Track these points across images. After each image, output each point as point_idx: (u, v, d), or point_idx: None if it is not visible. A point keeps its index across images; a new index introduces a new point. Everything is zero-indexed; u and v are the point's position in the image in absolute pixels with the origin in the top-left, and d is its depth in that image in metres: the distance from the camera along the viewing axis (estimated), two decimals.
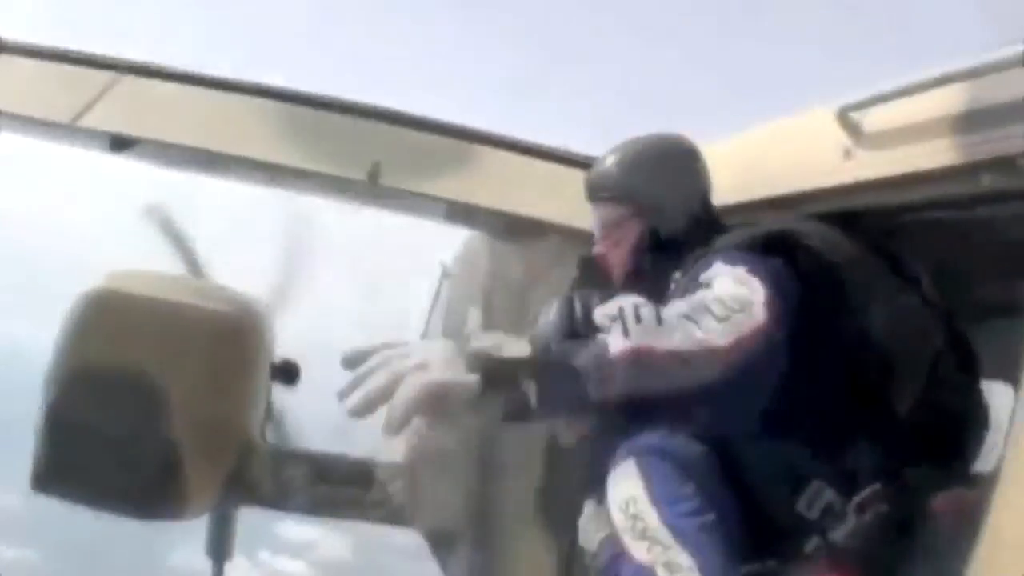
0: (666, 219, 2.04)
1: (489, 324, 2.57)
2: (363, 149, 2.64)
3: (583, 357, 1.44)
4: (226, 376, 2.97)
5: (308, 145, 2.58)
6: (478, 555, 3.05)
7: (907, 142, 1.79)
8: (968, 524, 1.69)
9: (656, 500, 1.75)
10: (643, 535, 1.75)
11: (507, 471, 2.23)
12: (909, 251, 1.93)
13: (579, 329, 1.98)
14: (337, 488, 3.39)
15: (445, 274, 4.33)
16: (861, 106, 1.92)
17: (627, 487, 1.78)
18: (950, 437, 1.84)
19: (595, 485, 1.97)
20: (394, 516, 3.40)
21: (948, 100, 1.71)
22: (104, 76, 2.63)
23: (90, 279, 3.22)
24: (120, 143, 2.63)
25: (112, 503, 2.94)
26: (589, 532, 2.08)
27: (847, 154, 1.95)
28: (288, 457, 3.24)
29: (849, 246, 1.85)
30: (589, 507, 2.09)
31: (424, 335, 4.43)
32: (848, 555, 1.74)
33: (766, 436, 1.77)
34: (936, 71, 1.74)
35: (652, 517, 1.74)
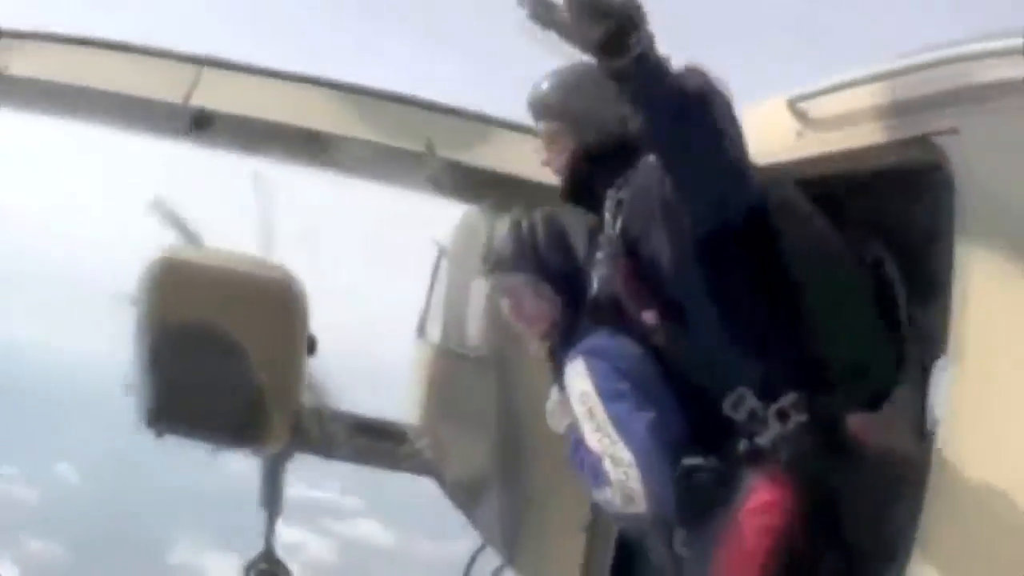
0: (595, 134, 2.33)
1: (494, 295, 2.95)
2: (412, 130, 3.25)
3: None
4: (282, 333, 3.41)
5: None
6: (508, 503, 3.49)
7: (845, 126, 2.25)
8: (875, 447, 2.11)
9: (602, 395, 2.09)
10: (597, 427, 2.10)
11: (537, 419, 2.58)
12: (847, 212, 2.40)
13: (540, 249, 2.38)
14: (374, 441, 3.86)
15: (442, 253, 4.67)
16: (806, 97, 2.37)
17: (579, 383, 2.15)
18: (861, 364, 2.14)
19: (558, 376, 2.35)
20: (423, 467, 3.87)
21: (877, 92, 2.15)
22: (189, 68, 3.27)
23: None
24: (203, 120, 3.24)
25: (211, 435, 3.48)
26: (555, 417, 2.45)
27: (798, 135, 2.41)
28: (330, 412, 3.67)
29: (782, 195, 2.24)
30: (554, 394, 2.45)
31: (423, 315, 4.78)
32: (776, 459, 2.03)
33: (696, 343, 2.12)
34: (867, 70, 2.20)
35: (600, 411, 2.09)
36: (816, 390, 2.07)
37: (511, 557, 3.60)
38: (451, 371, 3.92)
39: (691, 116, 1.93)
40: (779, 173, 2.41)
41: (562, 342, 2.34)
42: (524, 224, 2.44)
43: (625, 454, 2.04)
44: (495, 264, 2.49)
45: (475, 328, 3.69)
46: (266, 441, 3.57)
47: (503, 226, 2.60)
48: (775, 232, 2.15)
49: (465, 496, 3.89)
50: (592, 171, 2.34)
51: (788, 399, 2.04)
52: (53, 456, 30.29)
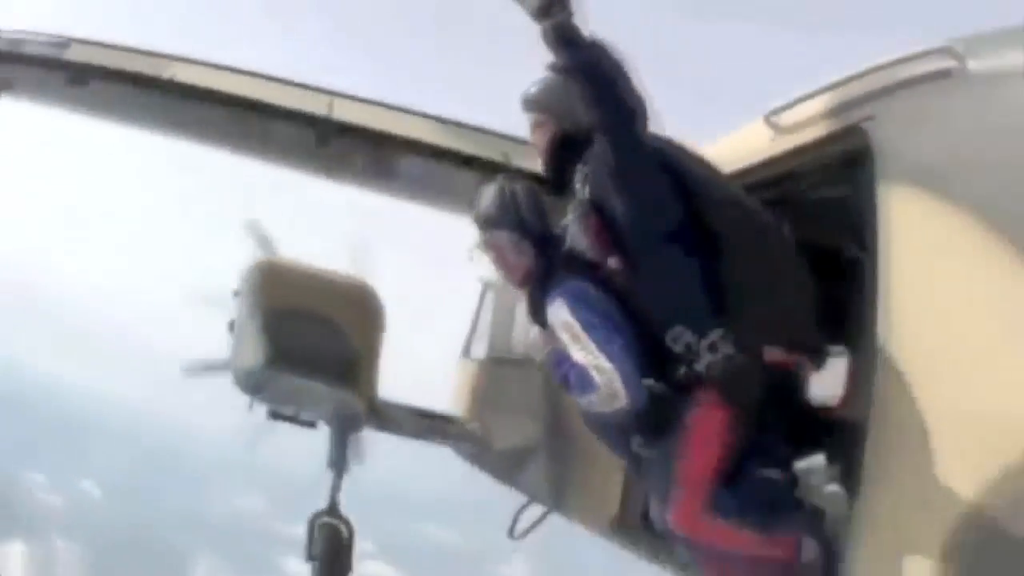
0: (568, 124, 2.95)
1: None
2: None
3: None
4: (364, 320, 4.31)
5: None
6: (555, 461, 4.14)
7: (803, 128, 2.88)
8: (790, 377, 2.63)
9: (582, 324, 2.71)
10: (581, 347, 2.70)
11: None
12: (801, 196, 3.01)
13: (519, 209, 2.95)
14: (430, 421, 4.64)
15: (487, 287, 5.50)
16: (778, 111, 3.02)
17: (562, 315, 2.77)
18: (775, 306, 2.71)
19: (535, 314, 2.97)
20: (473, 438, 4.61)
21: (826, 99, 2.80)
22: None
23: None
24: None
25: (316, 375, 4.47)
26: (538, 347, 3.04)
27: (771, 141, 3.04)
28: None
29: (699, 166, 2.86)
30: (535, 331, 3.04)
31: (468, 338, 5.58)
32: (711, 382, 2.61)
33: (645, 286, 2.74)
34: (819, 84, 2.85)
35: (583, 335, 2.70)
36: (738, 327, 2.65)
37: (558, 503, 4.21)
38: (499, 372, 4.67)
39: (591, 59, 2.69)
40: (759, 174, 3.05)
41: (537, 287, 2.96)
42: (507, 190, 3.05)
43: (607, 364, 2.64)
44: (483, 222, 3.07)
45: (520, 337, 4.50)
46: (355, 393, 4.43)
47: None
48: (700, 196, 2.79)
49: (508, 465, 4.54)
50: (565, 150, 2.99)
51: (716, 334, 2.64)
52: (79, 473, 32.55)
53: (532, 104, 3.08)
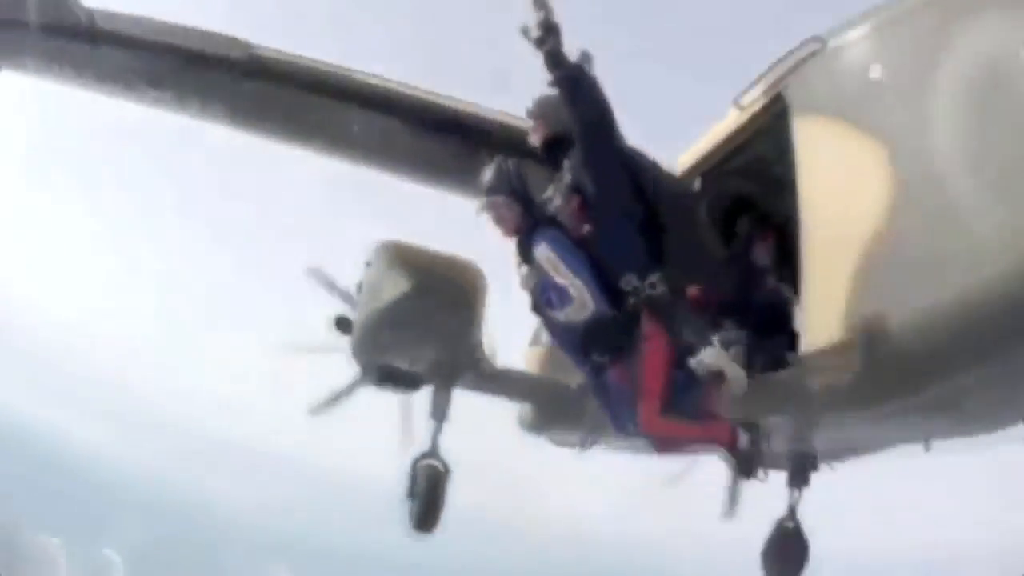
0: (557, 127, 4.05)
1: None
2: None
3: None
4: (472, 293, 5.63)
5: None
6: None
7: (755, 103, 4.19)
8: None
9: (560, 257, 3.86)
10: (560, 273, 3.85)
11: None
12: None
13: (511, 180, 3.97)
14: (534, 382, 5.96)
15: None
16: (739, 96, 4.32)
17: (546, 252, 3.91)
18: (693, 260, 3.98)
19: (525, 256, 4.05)
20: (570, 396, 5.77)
21: (769, 76, 4.12)
22: None
23: None
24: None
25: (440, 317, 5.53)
26: (525, 281, 4.11)
27: (737, 116, 4.35)
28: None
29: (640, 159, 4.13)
30: (524, 269, 4.12)
31: (537, 331, 6.74)
32: (652, 309, 3.77)
33: (606, 244, 3.88)
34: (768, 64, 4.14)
35: (560, 264, 3.85)
36: (669, 274, 3.89)
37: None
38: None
39: (572, 77, 3.90)
40: (725, 148, 4.38)
41: (525, 236, 4.14)
42: (503, 166, 4.19)
43: (579, 282, 3.88)
44: (486, 189, 4.17)
45: None
46: (463, 348, 5.64)
47: None
48: (648, 185, 4.04)
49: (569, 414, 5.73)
50: (555, 146, 4.18)
51: (654, 278, 3.86)
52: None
53: (530, 112, 4.29)
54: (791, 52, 3.93)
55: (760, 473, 4.15)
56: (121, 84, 5.03)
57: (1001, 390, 3.23)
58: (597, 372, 4.05)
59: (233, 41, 4.89)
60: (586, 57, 3.97)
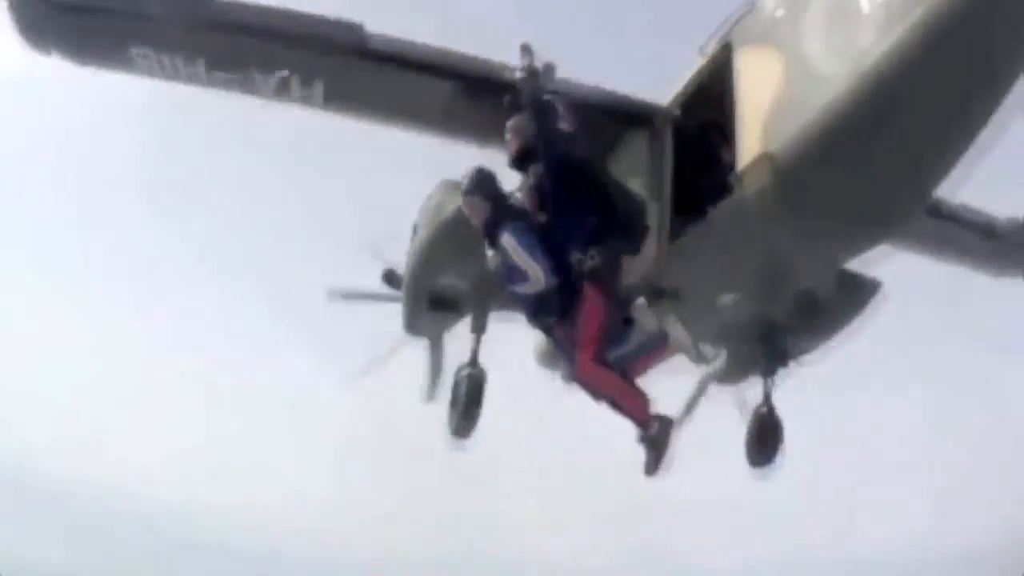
0: (527, 141, 5.59)
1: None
2: None
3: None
4: None
5: None
6: None
7: (712, 49, 5.96)
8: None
9: (519, 243, 5.46)
10: (519, 256, 5.47)
11: None
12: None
13: (483, 184, 5.66)
14: None
15: None
16: (703, 46, 6.09)
17: (508, 239, 5.53)
18: (625, 237, 5.53)
19: (491, 242, 5.70)
20: None
21: (720, 32, 5.85)
22: None
23: None
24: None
25: None
26: (492, 260, 5.73)
27: (701, 61, 6.13)
28: None
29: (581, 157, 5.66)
30: (490, 252, 5.70)
31: None
32: (591, 276, 5.34)
33: (556, 230, 5.49)
34: None
35: (519, 249, 5.48)
36: (604, 248, 5.43)
37: None
38: None
39: (540, 108, 5.53)
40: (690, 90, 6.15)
41: (491, 228, 5.68)
42: (480, 173, 5.73)
43: (534, 264, 5.36)
44: (464, 191, 5.79)
45: None
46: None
47: None
48: (580, 173, 5.60)
49: None
50: (525, 156, 5.64)
51: (593, 252, 5.35)
52: None
53: (510, 127, 5.74)
54: (734, 13, 5.72)
55: (660, 470, 5.38)
56: (232, 71, 5.50)
57: (867, 183, 4.96)
58: (548, 332, 5.64)
59: (347, 24, 5.51)
60: (549, 68, 5.54)
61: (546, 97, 5.51)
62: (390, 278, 7.61)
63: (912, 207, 5.49)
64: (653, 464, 5.42)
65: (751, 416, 7.21)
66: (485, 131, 6.09)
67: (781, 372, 7.25)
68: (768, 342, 6.99)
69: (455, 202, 6.49)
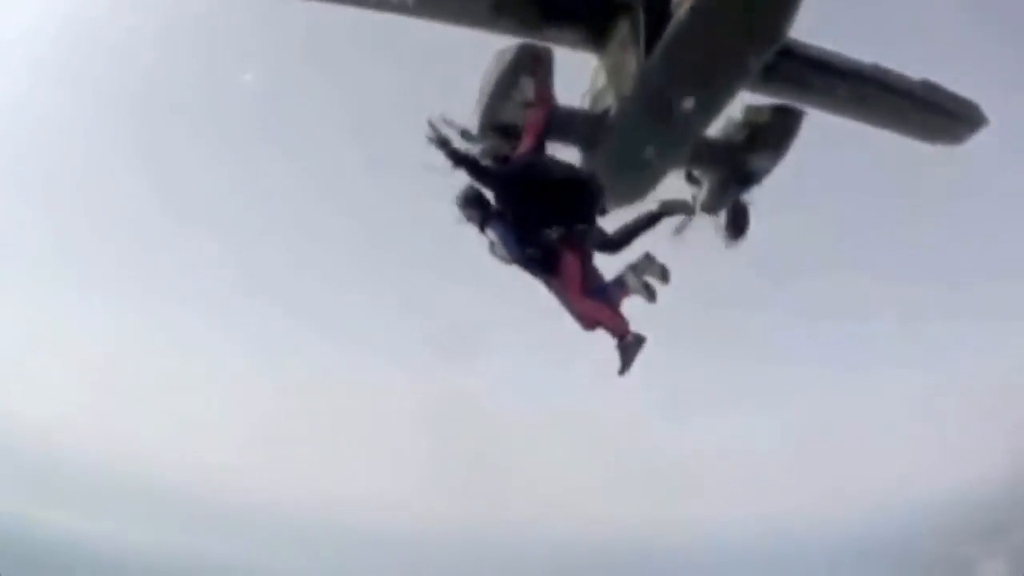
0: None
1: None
2: None
3: None
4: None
5: None
6: None
7: None
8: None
9: (498, 236, 7.46)
10: (500, 246, 7.50)
11: None
12: None
13: (472, 199, 7.45)
14: None
15: None
16: None
17: (492, 234, 7.47)
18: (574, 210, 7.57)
19: (486, 235, 7.59)
20: None
21: None
22: None
23: None
24: None
25: None
26: (489, 248, 7.59)
27: None
28: None
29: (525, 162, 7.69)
30: (488, 243, 7.57)
31: None
32: (563, 243, 7.35)
33: (523, 223, 7.47)
34: None
35: (498, 241, 7.41)
36: (564, 223, 7.47)
37: None
38: None
39: (458, 161, 7.37)
40: None
41: (482, 225, 7.48)
42: (470, 191, 7.50)
43: (505, 249, 7.34)
44: (459, 204, 7.54)
45: None
46: None
47: None
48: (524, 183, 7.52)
49: None
50: (472, 200, 7.54)
51: (554, 229, 7.38)
52: None
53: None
54: None
55: (628, 369, 7.18)
56: None
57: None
58: (547, 284, 7.44)
59: None
60: (455, 129, 7.46)
61: (464, 152, 7.47)
62: (466, 135, 10.33)
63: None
64: (625, 366, 7.36)
65: (727, 209, 10.01)
66: (531, 26, 8.69)
67: (747, 192, 10.20)
68: (733, 165, 9.95)
69: (507, 58, 9.09)
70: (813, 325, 27.16)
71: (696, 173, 10.26)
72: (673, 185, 10.28)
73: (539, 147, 7.97)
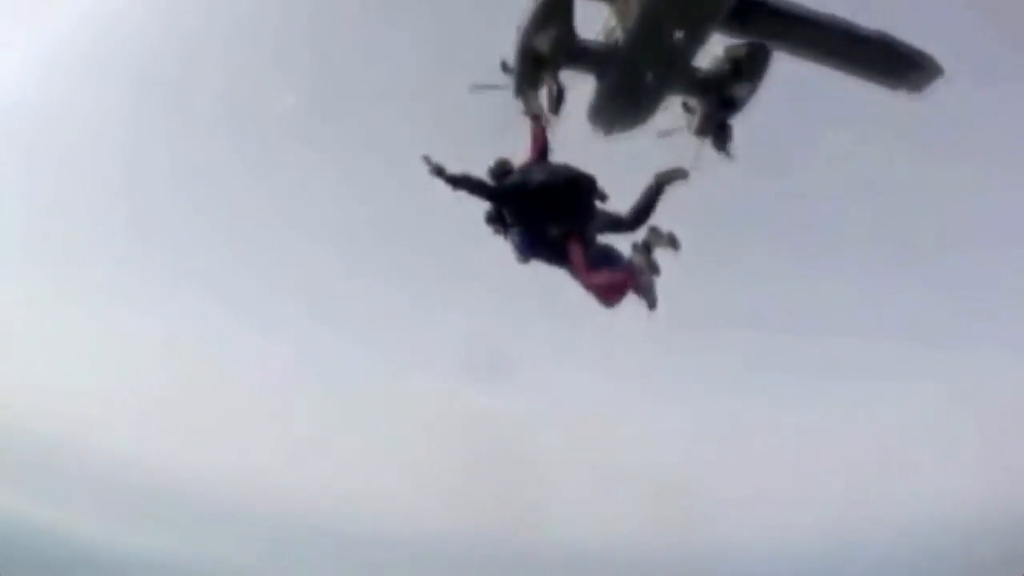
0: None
1: None
2: None
3: None
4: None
5: None
6: None
7: None
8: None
9: (513, 241, 9.94)
10: (516, 248, 9.93)
11: None
12: None
13: (495, 216, 9.88)
14: None
15: None
16: None
17: (512, 239, 9.91)
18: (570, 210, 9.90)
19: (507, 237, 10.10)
20: None
21: None
22: None
23: None
24: None
25: None
26: (514, 250, 10.03)
27: None
28: None
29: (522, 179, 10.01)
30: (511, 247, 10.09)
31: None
32: (566, 235, 9.66)
33: (531, 226, 9.84)
34: None
35: (515, 244, 9.87)
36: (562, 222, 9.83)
37: None
38: None
39: (459, 185, 9.66)
40: None
41: (504, 232, 9.92)
42: (492, 210, 9.90)
43: (517, 251, 9.96)
44: (487, 220, 9.91)
45: None
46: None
47: None
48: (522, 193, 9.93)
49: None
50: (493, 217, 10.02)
51: (555, 227, 9.65)
52: None
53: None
54: None
55: (655, 303, 9.53)
56: None
57: None
58: (557, 261, 9.45)
59: None
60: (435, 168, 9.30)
61: (459, 175, 9.41)
62: (505, 67, 13.02)
63: None
64: (651, 303, 9.58)
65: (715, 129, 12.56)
66: None
67: (731, 117, 12.75)
68: (719, 93, 12.55)
69: None
70: None
71: (690, 103, 12.85)
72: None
73: (542, 157, 10.16)
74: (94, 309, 31.20)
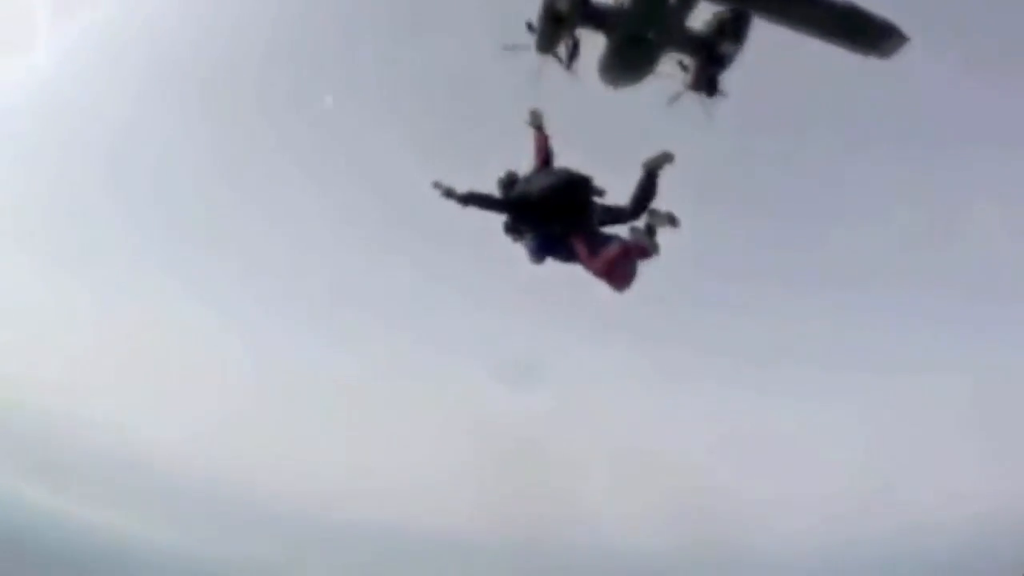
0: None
1: None
2: None
3: None
4: None
5: None
6: None
7: None
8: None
9: (527, 246, 11.22)
10: (528, 250, 11.27)
11: None
12: None
13: (510, 227, 11.23)
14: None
15: None
16: None
17: (525, 244, 11.21)
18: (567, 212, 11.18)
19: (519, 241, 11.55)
20: None
21: None
22: None
23: None
24: None
25: None
26: (527, 254, 11.38)
27: None
28: None
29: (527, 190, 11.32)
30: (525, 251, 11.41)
31: None
32: (566, 234, 10.98)
33: (541, 231, 11.21)
34: None
35: (526, 247, 11.33)
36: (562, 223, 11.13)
37: None
38: None
39: (468, 202, 10.84)
40: None
41: (517, 239, 11.27)
42: (508, 221, 11.19)
43: (530, 254, 11.22)
44: (505, 229, 11.20)
45: None
46: None
47: None
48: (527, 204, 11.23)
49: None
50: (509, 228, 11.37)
51: (556, 226, 11.03)
52: None
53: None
54: None
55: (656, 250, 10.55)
56: None
57: None
58: (568, 259, 10.71)
59: None
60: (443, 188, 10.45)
61: (467, 195, 10.52)
62: (530, 26, 15.52)
63: None
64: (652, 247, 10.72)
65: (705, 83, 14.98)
66: None
67: (720, 73, 15.17)
68: (709, 51, 15.01)
69: None
70: None
71: (685, 62, 15.34)
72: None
73: (546, 164, 11.47)
74: (102, 300, 31.91)
